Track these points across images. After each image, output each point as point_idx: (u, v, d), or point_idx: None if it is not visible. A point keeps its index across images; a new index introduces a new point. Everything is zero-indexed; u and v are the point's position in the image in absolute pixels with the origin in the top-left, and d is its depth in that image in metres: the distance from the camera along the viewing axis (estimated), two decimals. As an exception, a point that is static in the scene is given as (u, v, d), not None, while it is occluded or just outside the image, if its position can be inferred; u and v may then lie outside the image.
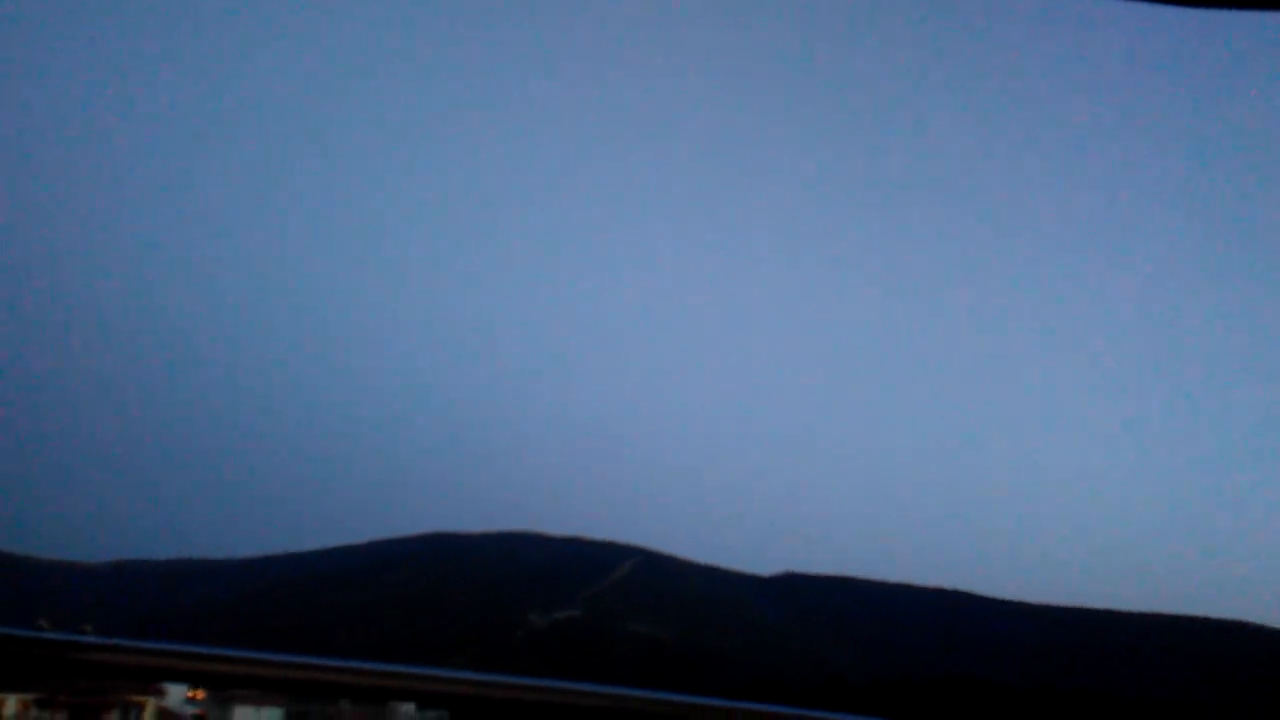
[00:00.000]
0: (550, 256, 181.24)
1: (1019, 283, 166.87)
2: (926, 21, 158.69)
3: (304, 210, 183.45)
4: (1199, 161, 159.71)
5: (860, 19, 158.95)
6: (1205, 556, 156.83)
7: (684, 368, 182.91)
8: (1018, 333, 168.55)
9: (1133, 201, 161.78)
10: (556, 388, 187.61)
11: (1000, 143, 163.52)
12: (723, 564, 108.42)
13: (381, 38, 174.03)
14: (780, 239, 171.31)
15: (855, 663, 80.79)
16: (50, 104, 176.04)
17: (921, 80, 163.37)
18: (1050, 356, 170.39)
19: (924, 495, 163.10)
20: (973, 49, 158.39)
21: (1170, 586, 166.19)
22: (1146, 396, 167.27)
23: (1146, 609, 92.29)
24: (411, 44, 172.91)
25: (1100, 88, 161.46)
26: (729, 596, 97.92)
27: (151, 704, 31.91)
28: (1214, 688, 77.32)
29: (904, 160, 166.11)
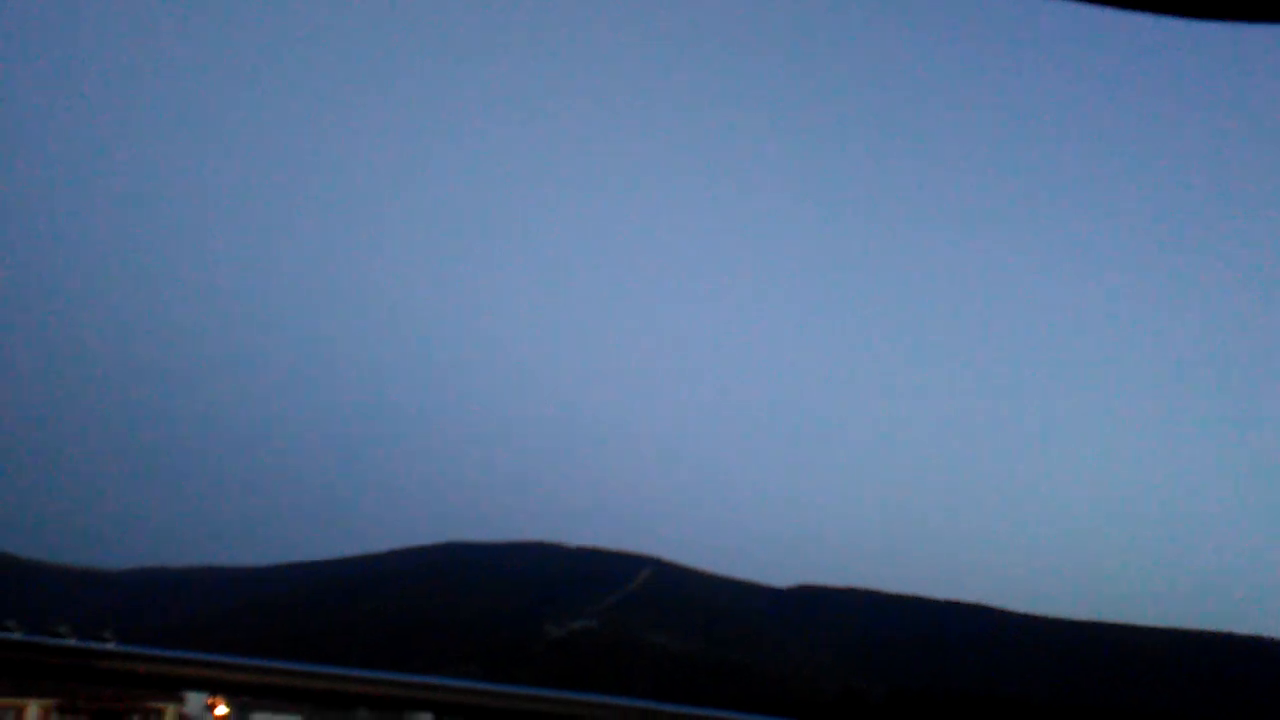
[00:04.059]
0: (569, 269, 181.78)
1: (1042, 295, 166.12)
2: (932, 36, 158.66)
3: (331, 222, 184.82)
4: (1199, 173, 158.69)
5: (862, 31, 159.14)
6: (1230, 570, 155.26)
7: (701, 380, 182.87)
8: (1038, 347, 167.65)
9: (1138, 211, 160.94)
10: (573, 400, 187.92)
11: (1006, 158, 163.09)
12: (739, 575, 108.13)
13: (403, 41, 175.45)
14: (799, 252, 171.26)
15: (871, 675, 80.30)
16: (50, 105, 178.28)
17: (932, 91, 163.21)
18: (1069, 370, 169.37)
19: (940, 508, 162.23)
20: (982, 60, 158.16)
21: (1191, 600, 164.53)
22: (1170, 407, 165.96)
23: (1165, 624, 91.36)
24: (423, 48, 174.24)
25: (1104, 101, 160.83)
26: (745, 608, 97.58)
27: (171, 711, 32.10)
28: (1232, 704, 76.38)
29: (907, 178, 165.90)
